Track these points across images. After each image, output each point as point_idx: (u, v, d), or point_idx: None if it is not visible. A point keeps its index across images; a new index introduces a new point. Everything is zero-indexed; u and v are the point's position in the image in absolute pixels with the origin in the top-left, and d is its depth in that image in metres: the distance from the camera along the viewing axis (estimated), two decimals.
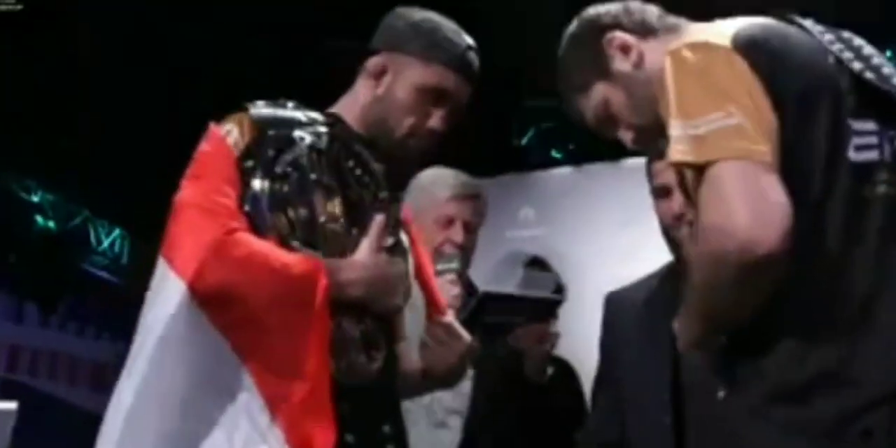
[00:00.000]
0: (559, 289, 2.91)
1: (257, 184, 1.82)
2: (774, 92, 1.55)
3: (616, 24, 1.83)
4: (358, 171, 1.92)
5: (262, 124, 1.86)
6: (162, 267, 1.80)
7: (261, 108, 1.90)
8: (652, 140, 1.81)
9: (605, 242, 5.10)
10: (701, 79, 1.57)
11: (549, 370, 2.79)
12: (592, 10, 1.88)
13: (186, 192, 1.84)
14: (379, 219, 1.87)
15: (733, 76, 1.56)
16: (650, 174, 2.44)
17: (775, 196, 1.48)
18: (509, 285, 3.20)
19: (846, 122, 1.60)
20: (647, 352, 2.35)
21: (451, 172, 2.75)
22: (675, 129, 1.55)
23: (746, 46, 1.58)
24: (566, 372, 2.89)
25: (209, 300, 1.74)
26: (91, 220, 6.67)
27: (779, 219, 1.46)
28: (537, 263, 2.98)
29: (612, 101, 1.82)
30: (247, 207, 1.81)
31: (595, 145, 5.48)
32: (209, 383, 1.75)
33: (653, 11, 1.86)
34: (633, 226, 5.00)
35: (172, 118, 5.14)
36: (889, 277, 1.55)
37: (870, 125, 1.62)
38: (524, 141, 5.97)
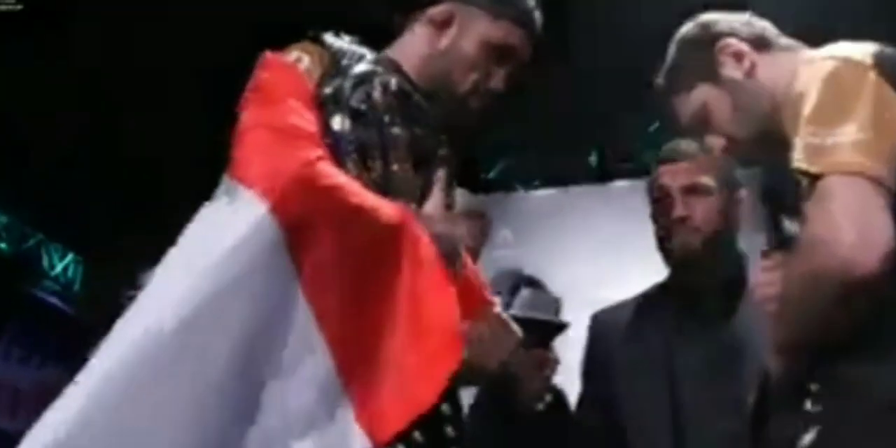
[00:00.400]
0: (558, 311, 2.82)
1: (337, 118, 1.71)
2: None
3: (732, 33, 1.86)
4: (422, 122, 1.83)
5: (335, 54, 1.77)
6: (229, 187, 1.62)
7: (330, 38, 1.81)
8: (741, 150, 1.86)
9: (582, 265, 5.17)
10: (840, 90, 1.60)
11: (547, 398, 2.65)
12: (711, 17, 1.91)
13: (253, 114, 1.67)
14: (443, 174, 1.83)
15: (872, 93, 1.59)
16: (653, 179, 2.44)
17: (882, 218, 1.50)
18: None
19: None
20: (641, 372, 2.34)
21: (458, 191, 2.78)
22: (803, 135, 1.57)
23: (889, 66, 1.62)
24: (561, 401, 2.76)
25: (292, 229, 1.57)
26: (45, 243, 6.52)
27: (883, 241, 1.49)
28: (532, 283, 2.85)
29: (714, 106, 1.85)
30: (328, 140, 1.69)
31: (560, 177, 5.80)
32: (271, 328, 1.57)
33: (771, 29, 1.89)
34: (612, 249, 5.12)
35: (135, 140, 5.11)
36: None
37: None
38: (492, 174, 6.04)
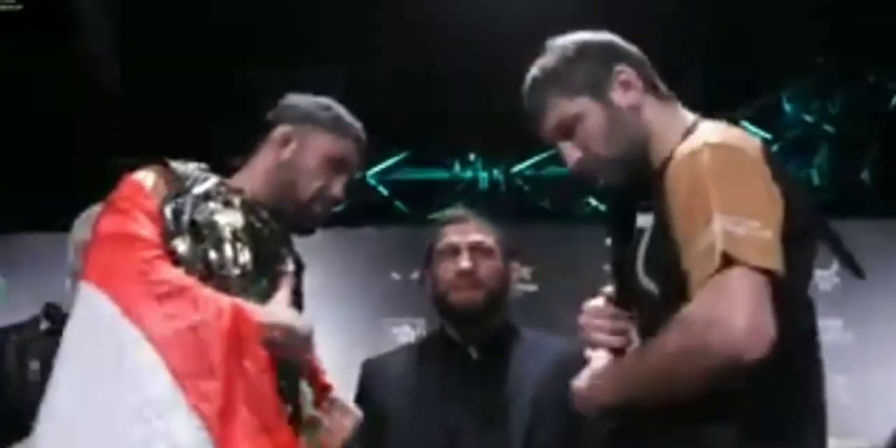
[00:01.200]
0: None
1: (179, 239, 1.89)
2: (792, 215, 1.65)
3: (633, 63, 1.85)
4: (266, 232, 2.01)
5: (180, 176, 1.96)
6: (83, 288, 1.85)
7: (177, 163, 1.99)
8: (595, 166, 1.82)
9: None
10: (742, 181, 1.64)
11: None
12: (616, 38, 1.89)
13: (104, 223, 1.91)
14: (288, 274, 2.01)
15: (767, 189, 1.65)
16: (436, 236, 2.63)
17: (770, 315, 1.57)
18: None
19: (811, 262, 1.75)
20: (416, 421, 2.51)
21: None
22: (710, 221, 1.59)
23: (773, 161, 1.69)
24: None
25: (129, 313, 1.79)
26: None
27: (769, 338, 1.56)
28: None
29: (587, 121, 1.81)
30: (172, 256, 1.88)
31: None
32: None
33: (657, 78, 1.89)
34: None
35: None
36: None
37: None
38: None
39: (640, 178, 1.80)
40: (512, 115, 5.19)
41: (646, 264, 1.74)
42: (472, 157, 5.80)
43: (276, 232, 2.04)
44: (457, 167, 5.84)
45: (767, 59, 5.06)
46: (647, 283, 1.74)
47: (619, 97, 1.81)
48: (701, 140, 1.70)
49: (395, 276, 4.93)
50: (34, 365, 2.31)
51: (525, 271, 5.12)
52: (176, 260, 1.86)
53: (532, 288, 5.14)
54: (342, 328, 5.00)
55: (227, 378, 1.73)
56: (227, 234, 1.93)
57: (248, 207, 2.01)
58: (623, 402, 1.73)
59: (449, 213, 2.75)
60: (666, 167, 1.71)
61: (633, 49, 1.89)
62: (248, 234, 1.97)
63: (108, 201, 1.95)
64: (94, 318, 1.80)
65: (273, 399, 1.80)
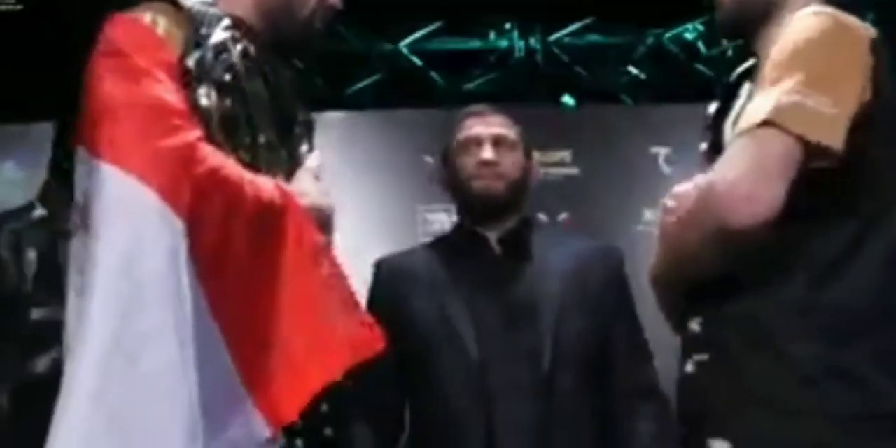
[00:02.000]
0: None
1: (203, 92, 1.62)
2: (876, 111, 1.59)
3: None
4: (281, 89, 1.77)
5: (195, 19, 1.65)
6: (99, 170, 1.47)
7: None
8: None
9: None
10: (831, 57, 1.59)
11: None
12: None
13: (117, 91, 1.51)
14: (307, 141, 1.81)
15: (856, 74, 1.59)
16: (457, 128, 2.56)
17: (783, 187, 1.52)
18: None
19: None
20: (441, 323, 2.42)
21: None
22: (778, 86, 1.56)
23: (880, 57, 1.63)
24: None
25: (185, 218, 1.48)
26: None
27: (766, 207, 1.51)
28: None
29: None
30: (197, 116, 1.58)
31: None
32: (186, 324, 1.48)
33: None
34: None
35: None
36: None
37: None
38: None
39: (749, 34, 1.79)
40: None
41: (734, 126, 1.69)
42: (507, 25, 5.66)
43: (288, 87, 1.80)
44: (492, 36, 5.70)
45: None
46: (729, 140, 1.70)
47: None
48: (811, 9, 1.66)
49: (429, 159, 4.84)
50: (31, 254, 2.08)
51: (566, 154, 5.04)
52: (200, 118, 1.57)
53: (573, 171, 5.06)
54: (375, 215, 4.90)
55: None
56: (249, 92, 1.68)
57: (264, 53, 1.74)
58: (664, 271, 1.73)
59: (471, 106, 2.68)
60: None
61: None
62: (267, 93, 1.72)
63: (109, 50, 1.55)
64: (142, 218, 1.46)
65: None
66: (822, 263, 1.58)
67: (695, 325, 1.68)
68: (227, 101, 1.64)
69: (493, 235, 2.54)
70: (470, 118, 2.59)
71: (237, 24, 1.72)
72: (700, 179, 1.61)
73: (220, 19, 1.69)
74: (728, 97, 1.79)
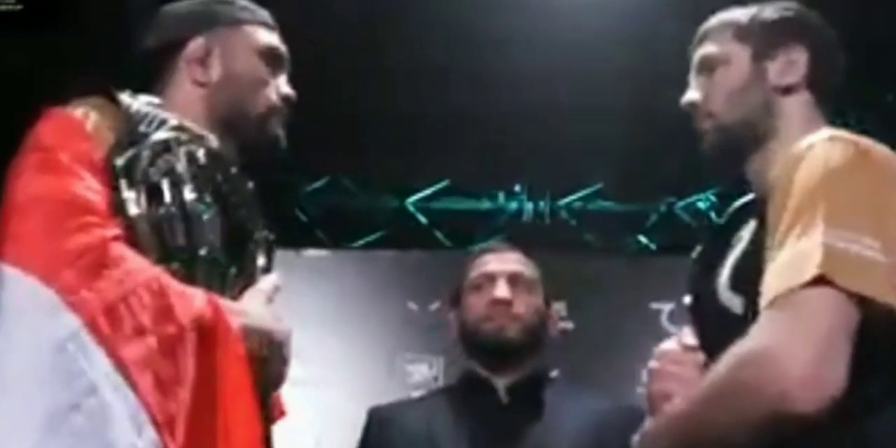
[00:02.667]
0: None
1: (132, 196, 1.46)
2: None
3: (818, 55, 1.63)
4: (234, 198, 1.61)
5: (133, 117, 1.53)
6: (6, 275, 1.35)
7: (126, 97, 1.56)
8: (698, 119, 1.64)
9: None
10: (868, 191, 1.36)
11: None
12: (826, 26, 1.67)
13: (33, 185, 1.41)
14: (262, 261, 1.63)
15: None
16: (470, 267, 2.37)
17: (845, 359, 1.27)
18: None
19: None
20: None
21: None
22: (813, 231, 1.31)
23: None
24: None
25: (92, 323, 1.32)
26: None
27: (832, 388, 1.26)
28: None
29: (728, 70, 1.63)
30: (122, 220, 1.44)
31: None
32: None
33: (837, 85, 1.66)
34: None
35: None
36: None
37: None
38: None
39: (735, 168, 1.60)
40: (560, 147, 5.15)
41: (733, 276, 1.47)
42: (517, 187, 5.59)
43: (246, 198, 1.63)
44: (501, 198, 5.61)
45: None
46: (729, 299, 1.46)
47: (775, 71, 1.61)
48: (826, 134, 1.43)
49: (413, 305, 4.61)
50: None
51: (560, 307, 4.80)
52: (124, 223, 1.44)
53: (567, 325, 4.81)
54: (349, 364, 4.62)
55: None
56: (192, 201, 1.51)
57: (216, 162, 1.58)
58: None
59: (487, 244, 2.49)
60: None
61: (834, 43, 1.66)
62: (217, 204, 1.55)
63: (35, 145, 1.46)
64: (39, 323, 1.32)
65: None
66: (847, 431, 1.33)
67: None
68: (162, 208, 1.48)
69: (501, 384, 2.30)
70: (485, 255, 2.41)
71: (184, 127, 1.58)
72: (742, 349, 1.31)
73: (164, 121, 1.55)
74: (717, 243, 1.57)
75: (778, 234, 1.36)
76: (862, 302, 1.28)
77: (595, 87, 4.59)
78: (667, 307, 4.66)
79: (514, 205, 5.58)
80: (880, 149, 1.44)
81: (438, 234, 5.49)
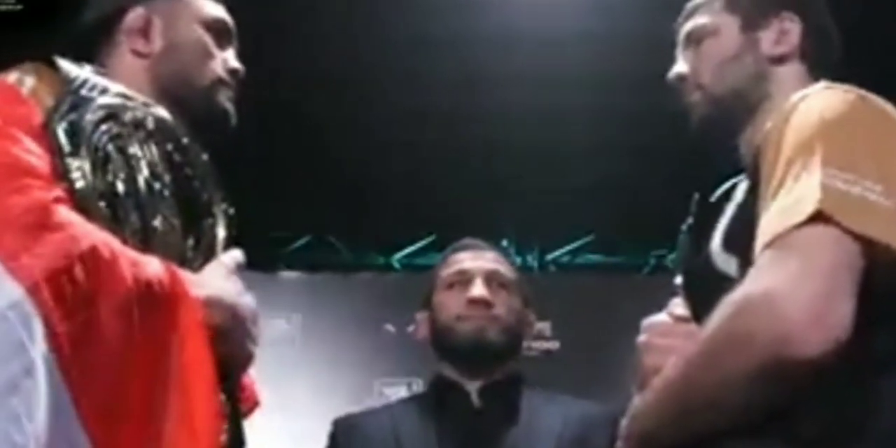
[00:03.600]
0: None
1: (75, 163, 1.37)
2: None
3: (813, 25, 1.58)
4: (188, 170, 1.53)
5: (73, 81, 1.45)
6: None
7: (67, 64, 1.48)
8: (686, 92, 1.59)
9: None
10: (868, 135, 1.29)
11: None
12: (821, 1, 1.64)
13: None
14: (223, 234, 1.55)
15: None
16: (443, 265, 2.26)
17: (848, 304, 1.16)
18: None
19: None
20: None
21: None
22: (811, 172, 1.22)
23: None
24: None
25: (33, 293, 1.21)
26: None
27: (837, 330, 1.15)
28: None
29: (718, 40, 1.58)
30: (65, 186, 1.34)
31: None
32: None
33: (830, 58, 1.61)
34: None
35: None
36: None
37: None
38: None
39: (727, 141, 1.53)
40: (545, 201, 5.08)
41: (727, 238, 1.36)
42: (504, 242, 5.53)
43: (200, 169, 1.54)
44: None
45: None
46: (724, 262, 1.34)
47: (767, 41, 1.56)
48: (821, 85, 1.37)
49: (390, 328, 4.49)
50: None
51: (544, 326, 4.65)
52: (70, 191, 1.34)
53: (552, 345, 4.67)
54: (327, 387, 4.48)
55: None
56: (143, 168, 1.43)
57: (165, 130, 1.50)
58: (660, 426, 1.29)
59: (461, 241, 2.34)
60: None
61: (825, 12, 1.61)
62: (169, 173, 1.47)
63: None
64: None
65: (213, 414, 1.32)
66: (854, 390, 1.21)
67: None
68: (109, 175, 1.39)
69: (473, 387, 2.15)
70: (459, 252, 2.26)
71: (128, 95, 1.50)
72: (734, 298, 1.20)
73: (106, 89, 1.47)
74: (708, 214, 1.47)
75: (773, 182, 1.25)
76: (866, 245, 1.19)
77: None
78: None
79: None
80: (877, 98, 1.35)
81: None
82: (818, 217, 1.17)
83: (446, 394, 2.17)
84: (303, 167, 4.70)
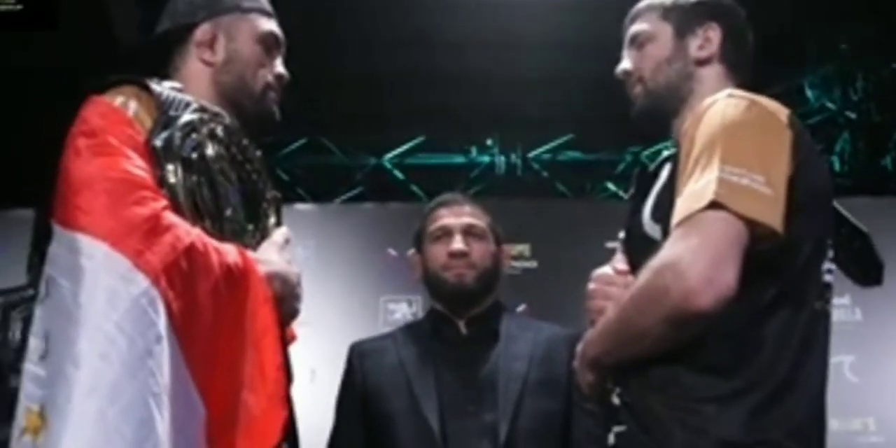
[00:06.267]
0: None
1: (170, 169, 1.69)
2: (798, 186, 1.63)
3: (731, 32, 1.91)
4: (248, 166, 1.86)
5: (164, 102, 1.75)
6: (69, 239, 1.55)
7: (154, 84, 1.78)
8: (630, 85, 1.92)
9: None
10: (756, 137, 1.64)
11: None
12: (738, 7, 1.95)
13: (92, 165, 1.62)
14: (274, 216, 1.89)
15: (782, 151, 1.64)
16: (428, 219, 2.67)
17: (737, 267, 1.54)
18: None
19: (826, 241, 1.74)
20: (406, 403, 2.49)
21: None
22: (711, 168, 1.59)
23: (798, 131, 1.68)
24: None
25: (157, 282, 1.54)
26: None
27: (728, 286, 1.53)
28: None
29: (656, 43, 1.90)
30: (164, 192, 1.66)
31: None
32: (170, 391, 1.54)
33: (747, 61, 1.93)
34: None
35: None
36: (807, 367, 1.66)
37: (830, 253, 1.75)
38: None
39: (662, 127, 1.88)
40: (529, 100, 5.28)
41: (654, 209, 1.75)
42: (489, 142, 5.78)
43: (256, 164, 1.87)
44: (474, 152, 5.82)
45: (790, 46, 5.02)
46: (651, 228, 1.74)
47: (694, 46, 1.89)
48: (727, 92, 1.72)
49: (392, 252, 4.90)
50: (16, 326, 2.09)
51: (524, 248, 5.08)
52: (166, 193, 1.66)
53: (531, 264, 5.09)
54: (339, 305, 4.94)
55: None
56: (216, 170, 1.76)
57: (231, 136, 1.82)
58: (604, 352, 1.72)
59: (442, 196, 2.77)
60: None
61: (743, 23, 1.95)
62: (235, 171, 1.80)
63: (80, 130, 1.67)
64: (115, 283, 1.52)
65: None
66: (744, 330, 1.62)
67: (615, 398, 1.72)
68: (194, 177, 1.72)
69: (461, 320, 2.62)
70: (441, 208, 2.68)
71: (204, 108, 1.82)
72: (654, 262, 1.59)
73: (188, 104, 1.78)
74: (645, 185, 1.84)
75: (686, 170, 1.64)
76: (750, 224, 1.56)
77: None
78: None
79: (486, 158, 5.80)
80: (769, 102, 1.72)
81: (415, 189, 5.70)
82: (714, 204, 1.56)
83: (439, 324, 2.64)
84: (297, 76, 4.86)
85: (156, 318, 1.53)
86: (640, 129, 1.95)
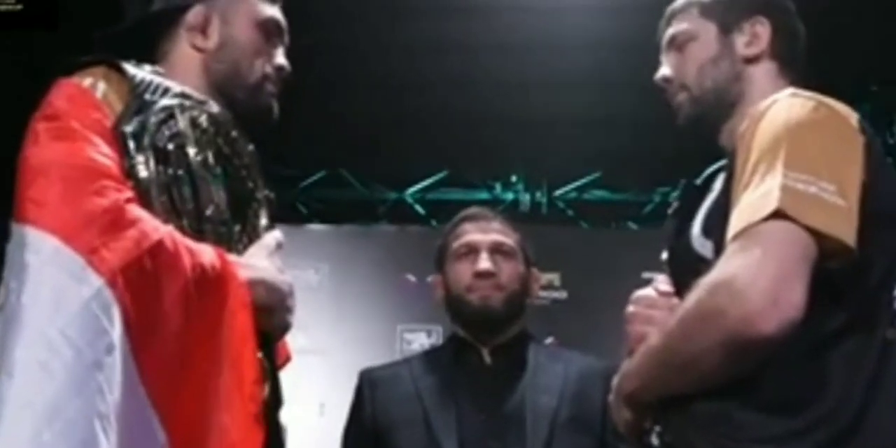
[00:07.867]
0: None
1: (141, 160, 1.50)
2: (870, 198, 1.44)
3: (780, 26, 1.73)
4: (236, 161, 1.65)
5: (137, 84, 1.55)
6: (23, 234, 1.39)
7: (130, 67, 1.58)
8: (672, 93, 1.74)
9: None
10: (825, 141, 1.46)
11: None
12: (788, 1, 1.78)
13: (49, 151, 1.45)
14: (265, 218, 1.68)
15: (854, 158, 1.46)
16: (452, 235, 2.43)
17: (804, 286, 1.34)
18: None
19: None
20: (426, 432, 2.28)
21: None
22: (774, 174, 1.40)
23: (870, 137, 1.50)
24: None
25: (111, 283, 1.36)
26: None
27: (796, 307, 1.33)
28: None
29: (697, 44, 1.73)
30: (132, 183, 1.47)
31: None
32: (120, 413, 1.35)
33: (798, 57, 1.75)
34: None
35: None
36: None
37: None
38: None
39: (711, 133, 1.70)
40: (555, 136, 5.19)
41: (705, 224, 1.55)
42: (513, 178, 5.65)
43: (246, 159, 1.66)
44: (498, 188, 5.68)
45: (823, 87, 4.89)
46: (702, 245, 1.53)
47: (741, 44, 1.71)
48: (788, 91, 1.53)
49: (411, 277, 4.71)
50: None
51: (553, 277, 4.88)
52: (135, 186, 1.47)
53: (561, 295, 4.90)
54: (352, 333, 4.74)
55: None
56: (197, 163, 1.56)
57: (217, 125, 1.62)
58: (644, 385, 1.52)
59: (468, 210, 2.53)
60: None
61: (793, 15, 1.76)
62: (220, 165, 1.60)
63: (43, 114, 1.49)
64: (63, 282, 1.36)
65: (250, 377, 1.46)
66: (806, 361, 1.43)
67: (654, 438, 1.53)
68: (170, 170, 1.53)
69: (485, 347, 2.40)
70: (466, 223, 2.45)
71: (187, 94, 1.63)
72: (707, 280, 1.38)
73: (168, 89, 1.60)
74: (693, 199, 1.65)
75: (744, 179, 1.44)
76: (819, 238, 1.36)
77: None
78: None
79: (510, 195, 5.66)
80: (837, 104, 1.53)
81: (436, 225, 5.57)
82: (778, 214, 1.36)
83: (461, 352, 2.40)
84: (316, 110, 4.82)
85: (108, 325, 1.34)
86: (688, 132, 1.75)
